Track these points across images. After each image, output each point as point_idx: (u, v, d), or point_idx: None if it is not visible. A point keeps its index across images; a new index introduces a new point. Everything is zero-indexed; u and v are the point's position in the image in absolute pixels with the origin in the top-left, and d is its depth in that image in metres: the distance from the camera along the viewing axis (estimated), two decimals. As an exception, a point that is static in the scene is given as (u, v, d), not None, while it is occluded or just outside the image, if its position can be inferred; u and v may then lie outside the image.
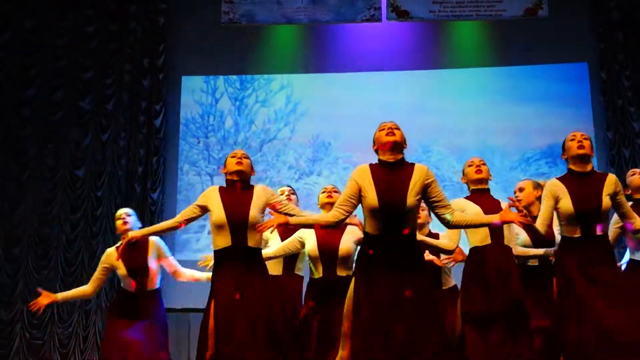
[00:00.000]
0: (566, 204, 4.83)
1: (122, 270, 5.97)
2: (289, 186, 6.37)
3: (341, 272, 5.32)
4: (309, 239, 5.45)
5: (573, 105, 9.65)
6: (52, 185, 9.75)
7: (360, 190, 4.48)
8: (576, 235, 4.81)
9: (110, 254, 6.09)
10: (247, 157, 5.06)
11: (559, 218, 4.92)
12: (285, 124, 10.03)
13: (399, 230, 4.40)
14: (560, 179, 4.96)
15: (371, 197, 4.41)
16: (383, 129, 4.67)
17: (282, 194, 6.05)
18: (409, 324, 4.23)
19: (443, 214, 4.53)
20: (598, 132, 9.47)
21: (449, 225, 4.59)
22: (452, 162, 9.63)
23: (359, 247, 4.90)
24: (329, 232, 5.33)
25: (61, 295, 6.28)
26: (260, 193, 4.95)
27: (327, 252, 5.34)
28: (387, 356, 4.17)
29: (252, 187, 5.01)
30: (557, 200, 4.88)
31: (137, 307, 5.93)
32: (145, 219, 9.46)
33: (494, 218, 4.56)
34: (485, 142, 9.66)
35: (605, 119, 9.47)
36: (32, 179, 9.76)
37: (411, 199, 4.41)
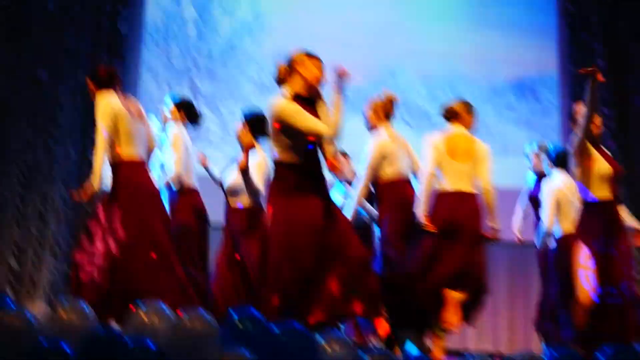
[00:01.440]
0: None
1: None
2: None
3: None
4: None
5: (539, 38, 9.62)
6: (14, 85, 9.44)
7: None
8: None
9: None
10: None
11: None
12: (251, 37, 9.81)
13: None
14: None
15: None
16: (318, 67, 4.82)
17: None
18: None
19: None
20: (563, 67, 9.48)
21: None
22: (420, 88, 9.58)
23: None
24: None
25: None
26: None
27: None
28: None
29: None
30: None
31: None
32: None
33: None
34: (452, 69, 9.61)
35: (570, 54, 9.46)
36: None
37: None
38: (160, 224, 5.54)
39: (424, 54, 9.64)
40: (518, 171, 7.71)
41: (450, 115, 5.90)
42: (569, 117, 9.25)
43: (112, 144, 5.50)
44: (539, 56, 9.56)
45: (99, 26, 9.63)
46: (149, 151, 5.84)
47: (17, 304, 4.79)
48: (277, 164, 4.82)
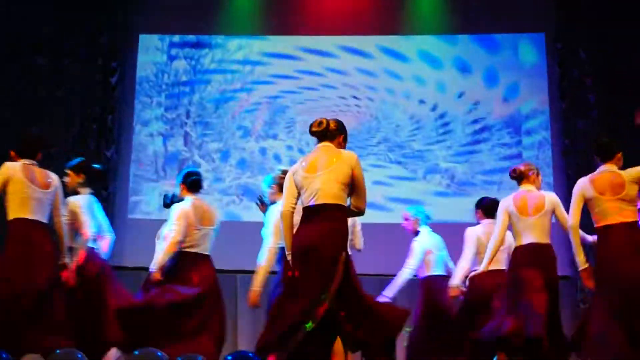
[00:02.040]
0: None
1: None
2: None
3: None
4: None
5: (529, 76, 9.71)
6: (6, 141, 9.48)
7: None
8: None
9: None
10: None
11: None
12: (242, 86, 9.93)
13: None
14: None
15: None
16: None
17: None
18: None
19: None
20: (552, 104, 9.56)
21: None
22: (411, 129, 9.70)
23: None
24: None
25: None
26: None
27: None
28: None
29: None
30: None
31: None
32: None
33: None
34: (442, 112, 9.71)
35: (560, 90, 9.54)
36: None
37: None
38: (42, 275, 5.65)
39: (413, 99, 9.75)
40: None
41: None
42: (561, 151, 9.38)
43: (6, 204, 5.81)
44: (529, 93, 9.63)
45: (91, 79, 9.70)
46: (53, 217, 6.00)
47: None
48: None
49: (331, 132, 4.86)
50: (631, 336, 5.24)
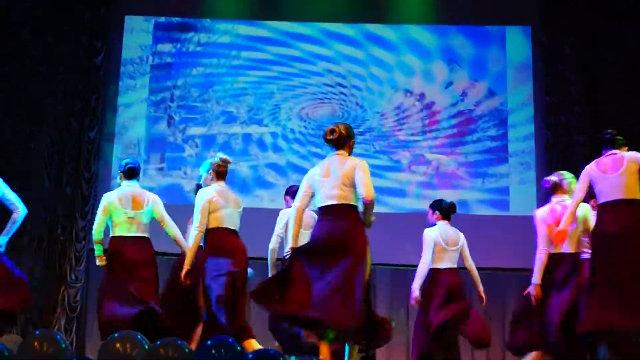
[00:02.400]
0: None
1: None
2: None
3: None
4: None
5: (515, 69, 9.74)
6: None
7: None
8: None
9: None
10: None
11: None
12: (227, 71, 9.89)
13: None
14: None
15: None
16: None
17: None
18: None
19: None
20: (537, 97, 9.59)
21: None
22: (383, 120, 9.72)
23: None
24: None
25: None
26: None
27: None
28: None
29: None
30: None
31: None
32: (82, 158, 9.33)
33: None
34: (427, 103, 9.72)
35: (544, 84, 9.58)
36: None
37: None
38: None
39: (398, 89, 9.76)
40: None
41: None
42: (544, 146, 9.42)
43: None
44: (514, 86, 9.67)
45: (75, 57, 9.63)
46: None
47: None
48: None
49: (343, 139, 5.26)
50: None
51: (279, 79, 9.82)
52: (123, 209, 6.07)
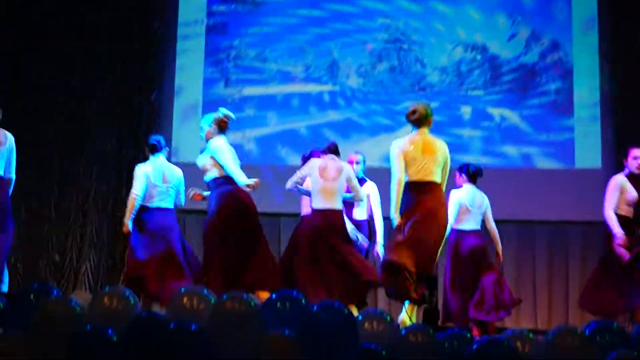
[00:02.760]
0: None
1: None
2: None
3: None
4: None
5: (578, 18, 9.47)
6: (49, 88, 9.56)
7: None
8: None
9: None
10: None
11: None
12: (283, 30, 9.76)
13: None
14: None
15: None
16: None
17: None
18: None
19: None
20: (602, 47, 9.33)
21: None
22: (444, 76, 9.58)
23: None
24: None
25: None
26: None
27: None
28: None
29: None
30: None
31: None
32: (142, 120, 9.42)
33: None
34: (488, 57, 9.53)
35: (610, 34, 9.29)
36: (27, 78, 9.56)
37: None
38: None
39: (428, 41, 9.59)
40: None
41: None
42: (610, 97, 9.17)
43: None
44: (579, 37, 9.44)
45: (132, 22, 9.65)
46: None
47: (62, 293, 4.87)
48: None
49: (424, 118, 5.87)
50: None
51: (336, 36, 9.70)
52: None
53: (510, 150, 9.14)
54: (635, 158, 6.47)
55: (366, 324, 4.01)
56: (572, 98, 9.32)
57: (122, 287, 5.36)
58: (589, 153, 9.02)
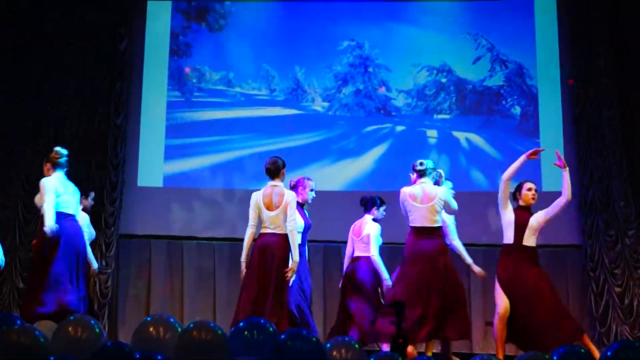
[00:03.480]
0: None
1: None
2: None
3: None
4: None
5: (536, 43, 9.56)
6: (16, 98, 9.48)
7: None
8: None
9: None
10: None
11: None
12: (246, 52, 9.81)
13: None
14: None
15: None
16: None
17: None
18: None
19: None
20: (562, 69, 9.42)
21: None
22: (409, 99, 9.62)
23: None
24: None
25: None
26: None
27: None
28: None
29: None
30: None
31: None
32: (109, 144, 9.36)
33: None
34: (451, 78, 9.59)
35: (570, 56, 9.38)
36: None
37: None
38: None
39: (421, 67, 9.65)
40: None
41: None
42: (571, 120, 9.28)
43: None
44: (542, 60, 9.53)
45: (99, 45, 9.64)
46: None
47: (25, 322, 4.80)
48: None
49: (427, 171, 6.85)
50: None
51: (301, 59, 9.73)
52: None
53: (476, 174, 9.21)
54: (529, 189, 6.68)
55: (335, 352, 4.00)
56: (538, 121, 9.40)
57: (87, 316, 5.31)
58: (554, 176, 9.01)
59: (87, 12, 9.65)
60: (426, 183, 6.81)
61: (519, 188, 6.75)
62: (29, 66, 9.55)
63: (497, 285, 6.50)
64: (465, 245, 7.32)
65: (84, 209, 7.43)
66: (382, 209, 7.41)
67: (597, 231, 8.85)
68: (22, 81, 9.54)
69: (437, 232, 6.73)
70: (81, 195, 7.18)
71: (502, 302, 6.42)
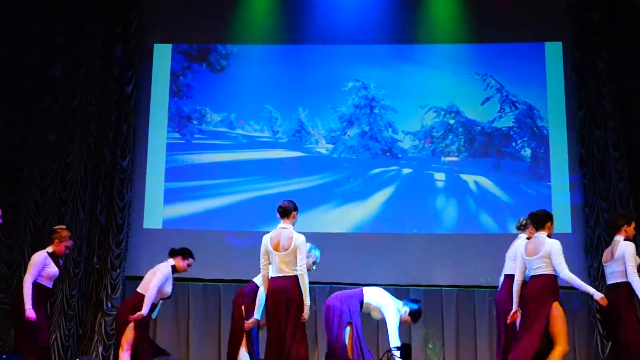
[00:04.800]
0: None
1: None
2: None
3: None
4: None
5: (545, 84, 9.56)
6: (23, 151, 9.56)
7: None
8: None
9: None
10: None
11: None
12: (249, 95, 9.81)
13: None
14: None
15: None
16: None
17: None
18: None
19: None
20: (569, 111, 9.44)
21: None
22: (416, 141, 9.58)
23: None
24: None
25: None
26: None
27: None
28: None
29: None
30: None
31: None
32: (115, 187, 9.38)
33: None
34: (459, 120, 9.58)
35: (578, 99, 9.42)
36: (1, 146, 9.55)
37: None
38: None
39: (429, 108, 9.63)
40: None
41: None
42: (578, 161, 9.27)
43: None
44: (548, 101, 9.49)
45: (106, 89, 9.70)
46: None
47: None
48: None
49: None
50: None
51: (305, 100, 9.72)
52: None
53: (485, 217, 9.14)
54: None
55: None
56: (549, 163, 9.34)
57: (92, 357, 5.28)
58: (561, 218, 8.95)
59: (93, 54, 9.74)
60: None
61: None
62: (34, 106, 9.64)
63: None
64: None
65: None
66: None
67: (603, 274, 8.79)
68: (29, 118, 9.60)
69: None
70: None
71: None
